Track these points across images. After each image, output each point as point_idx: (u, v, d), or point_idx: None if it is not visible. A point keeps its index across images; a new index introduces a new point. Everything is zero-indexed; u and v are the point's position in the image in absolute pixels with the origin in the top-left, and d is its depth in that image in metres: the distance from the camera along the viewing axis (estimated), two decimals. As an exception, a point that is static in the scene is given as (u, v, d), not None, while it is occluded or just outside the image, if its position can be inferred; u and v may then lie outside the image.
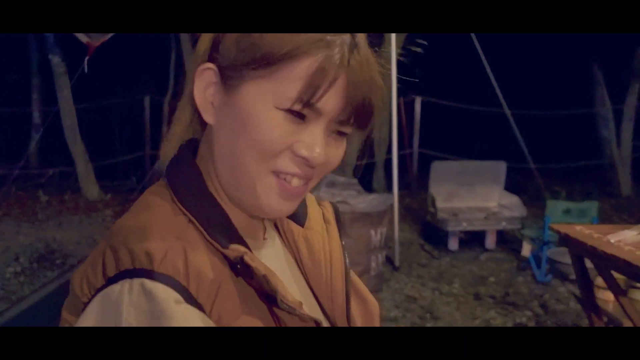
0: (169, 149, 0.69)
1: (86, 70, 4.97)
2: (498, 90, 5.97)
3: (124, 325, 0.54)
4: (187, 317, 0.55)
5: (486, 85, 6.01)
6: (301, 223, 0.76)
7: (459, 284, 4.15)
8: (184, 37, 5.92)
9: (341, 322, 0.74)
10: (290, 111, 0.60)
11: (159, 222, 0.61)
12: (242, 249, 0.61)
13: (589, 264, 2.32)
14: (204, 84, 0.64)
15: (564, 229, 2.27)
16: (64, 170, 6.97)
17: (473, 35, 5.63)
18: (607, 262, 2.01)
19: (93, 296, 0.57)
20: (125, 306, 0.54)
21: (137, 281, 0.55)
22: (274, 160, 0.61)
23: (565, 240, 2.24)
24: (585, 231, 2.17)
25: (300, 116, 0.60)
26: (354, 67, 0.59)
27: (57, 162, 7.10)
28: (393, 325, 3.37)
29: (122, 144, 7.90)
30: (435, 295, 3.94)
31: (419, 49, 5.66)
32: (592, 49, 7.01)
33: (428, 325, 3.43)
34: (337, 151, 0.65)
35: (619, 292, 2.13)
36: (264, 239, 0.72)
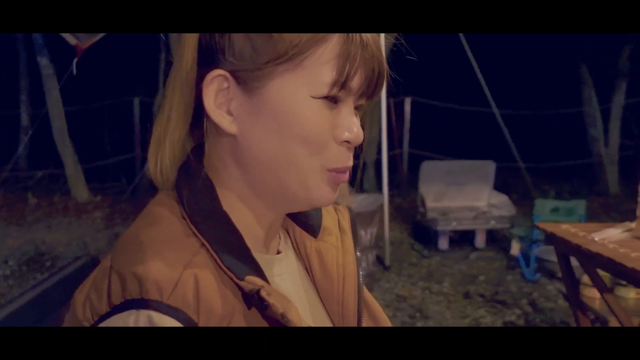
0: (160, 167, 0.64)
1: (75, 72, 4.95)
2: (487, 90, 6.02)
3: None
4: None
5: (475, 85, 6.05)
6: (314, 234, 0.73)
7: (449, 283, 4.18)
8: (173, 38, 5.92)
9: None
10: (326, 97, 0.59)
11: (168, 244, 0.57)
12: (258, 281, 0.58)
13: (575, 262, 2.35)
14: (213, 94, 0.60)
15: (550, 227, 2.29)
16: (53, 173, 6.94)
17: (461, 35, 5.67)
18: (592, 260, 2.04)
19: (96, 322, 0.55)
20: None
21: (144, 313, 0.53)
22: (324, 153, 0.60)
23: (551, 239, 2.26)
24: (570, 230, 2.20)
25: (334, 100, 0.60)
26: (369, 38, 0.60)
27: (46, 164, 7.06)
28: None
29: (112, 146, 7.87)
30: (426, 294, 3.97)
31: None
32: (579, 49, 7.07)
33: (418, 324, 3.45)
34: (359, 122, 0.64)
35: (604, 289, 2.16)
36: (279, 252, 0.69)
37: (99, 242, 4.99)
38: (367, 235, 3.90)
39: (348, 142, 0.61)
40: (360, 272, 0.73)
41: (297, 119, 0.58)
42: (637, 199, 2.06)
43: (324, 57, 0.58)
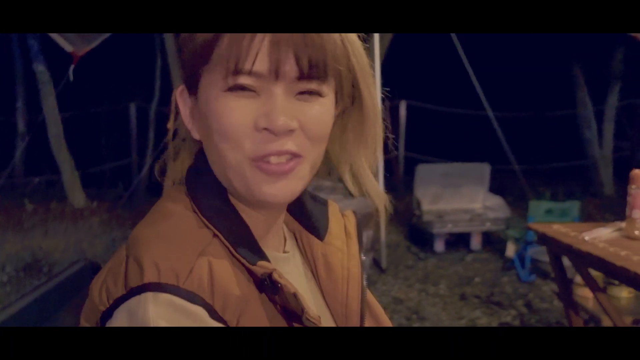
0: (176, 173, 0.69)
1: (71, 79, 4.97)
2: (481, 93, 6.05)
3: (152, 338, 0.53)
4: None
5: (469, 88, 6.09)
6: (321, 236, 0.75)
7: (445, 284, 4.20)
8: (169, 44, 5.94)
9: None
10: (234, 88, 0.59)
11: (182, 234, 0.60)
12: (270, 265, 0.61)
13: (568, 262, 2.38)
14: (182, 105, 0.66)
15: (541, 228, 2.32)
16: (50, 179, 6.95)
17: (455, 38, 5.70)
18: (583, 260, 2.07)
19: (112, 306, 0.57)
20: (152, 318, 0.54)
21: (162, 295, 0.55)
22: (244, 145, 0.60)
23: (543, 239, 2.29)
24: (561, 230, 2.23)
25: (249, 90, 0.59)
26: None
27: (42, 170, 7.07)
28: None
29: (109, 152, 7.88)
30: (422, 296, 3.99)
31: None
32: (572, 51, 7.12)
33: (415, 325, 3.47)
34: (313, 112, 0.61)
35: (596, 288, 2.19)
36: (284, 252, 0.72)
37: (96, 248, 5.00)
38: (363, 238, 3.93)
39: (267, 130, 0.59)
40: (364, 275, 0.76)
41: (214, 115, 0.60)
42: (627, 199, 2.09)
43: (222, 51, 0.59)
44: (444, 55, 6.48)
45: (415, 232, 5.26)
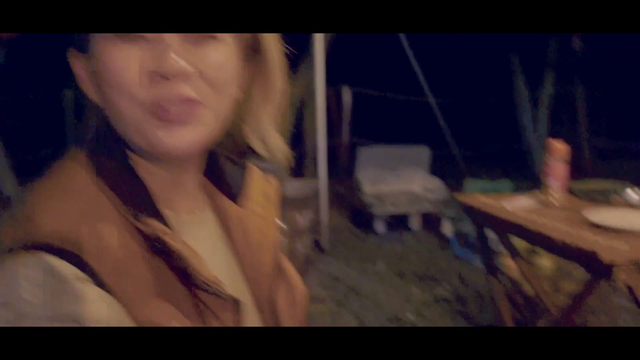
0: None
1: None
2: (423, 80, 6.18)
3: (20, 300, 0.50)
4: (90, 297, 0.51)
5: (411, 75, 6.20)
6: (237, 200, 0.74)
7: (384, 263, 4.29)
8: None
9: (265, 306, 0.73)
10: (122, 35, 0.57)
11: (68, 191, 0.58)
12: (158, 224, 0.58)
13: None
14: (79, 68, 0.64)
15: (465, 198, 2.40)
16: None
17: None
18: (503, 227, 2.15)
19: None
20: (20, 281, 0.50)
21: (35, 254, 0.51)
22: (137, 94, 0.57)
23: (468, 210, 2.37)
24: (484, 200, 2.31)
25: (134, 36, 0.57)
26: None
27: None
28: (319, 304, 3.45)
29: (43, 139, 7.58)
30: (361, 274, 4.06)
31: None
32: (510, 40, 7.36)
33: (351, 300, 3.53)
34: (208, 55, 0.59)
35: (515, 254, 2.28)
36: (194, 213, 0.69)
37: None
38: (303, 218, 3.95)
39: (158, 74, 0.57)
40: (281, 240, 0.76)
41: (103, 65, 0.58)
42: (543, 169, 2.19)
43: None
44: (387, 43, 6.57)
45: (356, 213, 5.33)
